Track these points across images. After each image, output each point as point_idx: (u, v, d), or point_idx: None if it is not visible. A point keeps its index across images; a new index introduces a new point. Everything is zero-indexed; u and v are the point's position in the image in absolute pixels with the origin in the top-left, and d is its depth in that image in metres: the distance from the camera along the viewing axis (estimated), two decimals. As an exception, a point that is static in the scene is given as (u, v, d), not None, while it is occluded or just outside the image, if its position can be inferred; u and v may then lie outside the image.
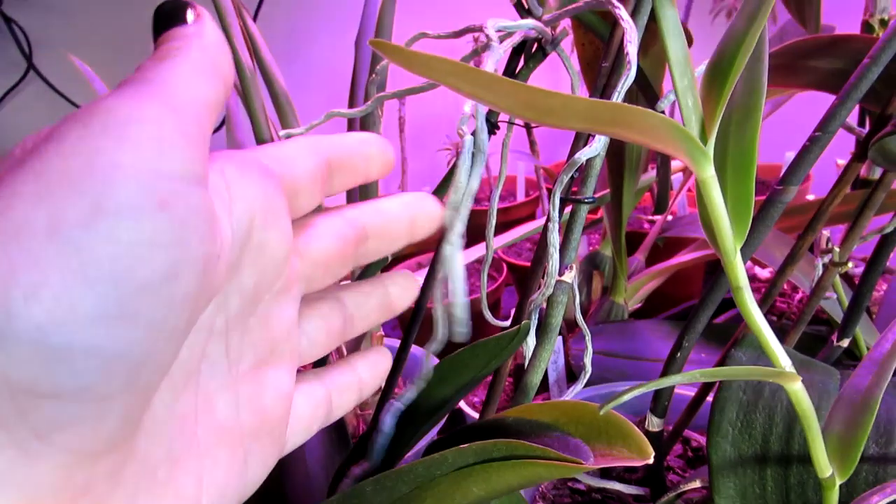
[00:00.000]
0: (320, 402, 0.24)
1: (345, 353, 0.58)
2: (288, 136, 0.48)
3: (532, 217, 1.08)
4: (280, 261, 0.21)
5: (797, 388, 0.20)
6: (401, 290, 0.27)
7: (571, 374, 0.58)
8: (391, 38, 0.54)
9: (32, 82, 0.93)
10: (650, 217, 0.74)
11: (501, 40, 0.34)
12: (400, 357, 0.36)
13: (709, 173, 0.19)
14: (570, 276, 0.29)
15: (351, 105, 0.55)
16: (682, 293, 0.73)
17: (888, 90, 0.34)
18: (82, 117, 0.15)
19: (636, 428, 0.22)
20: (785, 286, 0.73)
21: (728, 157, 0.20)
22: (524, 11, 0.37)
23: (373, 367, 0.26)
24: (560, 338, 0.55)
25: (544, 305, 0.30)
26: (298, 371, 0.24)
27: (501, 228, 1.00)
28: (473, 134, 0.27)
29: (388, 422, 0.29)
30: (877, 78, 0.32)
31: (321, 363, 0.49)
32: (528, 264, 0.65)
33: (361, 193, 0.57)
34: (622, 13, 0.30)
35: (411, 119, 1.04)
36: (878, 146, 0.31)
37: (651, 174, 0.63)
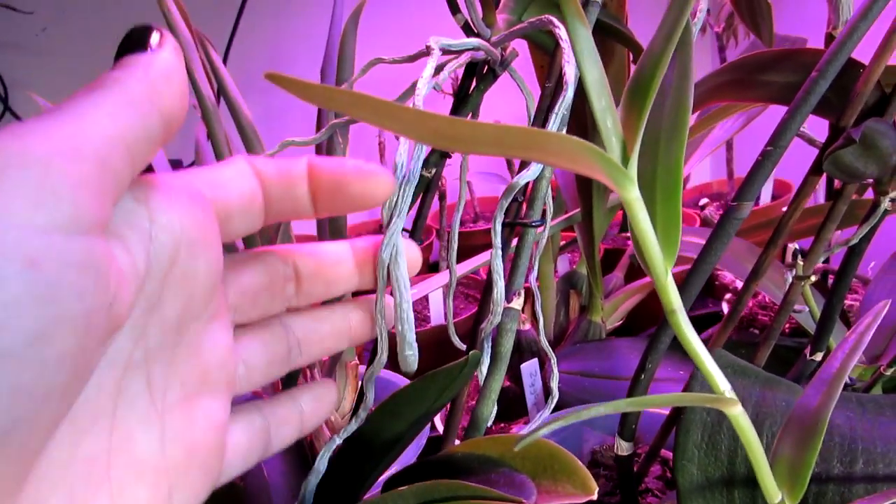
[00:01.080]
0: (258, 434, 0.23)
1: (318, 377, 0.57)
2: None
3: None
4: (208, 289, 0.20)
5: (737, 413, 0.19)
6: (363, 317, 0.26)
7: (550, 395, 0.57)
8: (353, 64, 0.54)
9: (9, 123, 0.93)
10: (629, 234, 0.74)
11: (447, 63, 0.33)
12: (370, 376, 0.35)
13: (633, 195, 0.18)
14: (518, 303, 0.28)
15: (318, 129, 0.55)
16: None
17: (841, 101, 0.34)
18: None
19: (581, 464, 0.21)
20: (767, 299, 0.73)
21: (657, 178, 0.19)
22: (472, 34, 0.37)
23: (317, 401, 0.25)
24: (536, 361, 0.54)
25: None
26: (237, 401, 0.23)
27: (482, 249, 1.00)
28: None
29: (323, 462, 0.28)
30: (831, 89, 0.32)
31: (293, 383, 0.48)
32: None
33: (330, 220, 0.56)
34: (561, 33, 0.29)
35: (392, 143, 1.04)
36: (831, 159, 0.31)
37: (622, 191, 0.62)
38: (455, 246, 0.38)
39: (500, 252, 0.27)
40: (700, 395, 0.19)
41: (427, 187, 0.36)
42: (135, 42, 0.18)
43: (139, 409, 0.19)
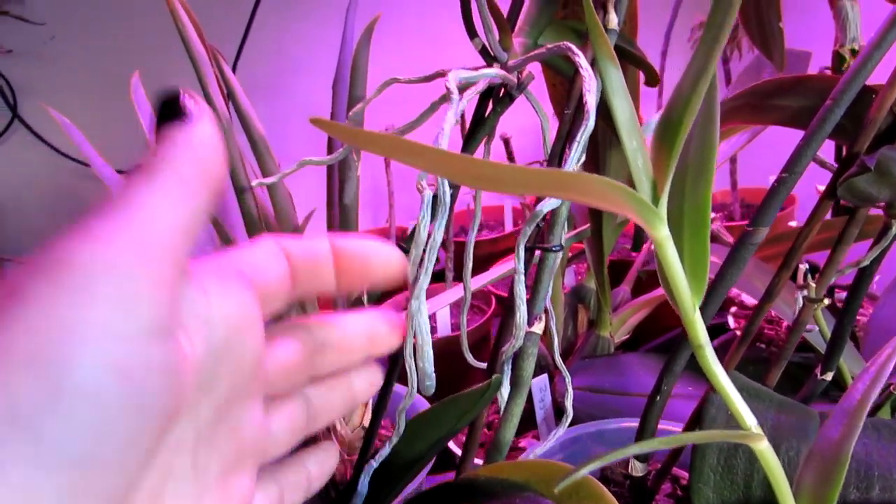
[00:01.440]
0: (274, 501, 0.24)
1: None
2: (260, 185, 0.48)
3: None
4: (253, 369, 0.21)
5: (763, 448, 0.20)
6: (365, 383, 0.26)
7: (560, 412, 0.57)
8: (366, 81, 0.54)
9: (18, 131, 0.93)
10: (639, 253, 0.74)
11: (465, 88, 0.34)
12: (382, 400, 0.35)
13: (663, 233, 0.19)
14: (540, 327, 0.29)
15: (330, 146, 0.55)
16: (671, 322, 0.73)
17: (855, 126, 0.34)
18: (48, 270, 0.15)
19: (606, 490, 0.22)
20: (772, 312, 0.73)
21: (684, 215, 0.20)
22: (489, 58, 0.37)
23: (321, 465, 0.26)
24: (546, 375, 0.55)
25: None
26: None
27: (491, 259, 1.01)
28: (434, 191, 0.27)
29: (364, 483, 0.29)
30: (844, 115, 0.32)
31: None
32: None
33: (342, 222, 0.57)
34: (581, 61, 0.30)
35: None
36: (846, 185, 0.31)
37: (631, 207, 0.62)
38: (470, 264, 0.39)
39: (522, 277, 0.27)
40: (728, 433, 0.20)
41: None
42: (170, 110, 0.18)
43: (184, 488, 0.19)
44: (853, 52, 0.55)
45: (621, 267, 0.82)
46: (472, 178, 0.17)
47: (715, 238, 0.66)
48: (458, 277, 0.92)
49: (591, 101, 0.27)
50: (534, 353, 0.29)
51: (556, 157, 0.31)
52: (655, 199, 0.19)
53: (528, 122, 0.45)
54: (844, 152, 0.50)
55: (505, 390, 0.30)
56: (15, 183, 0.96)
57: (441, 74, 0.41)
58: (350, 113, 0.45)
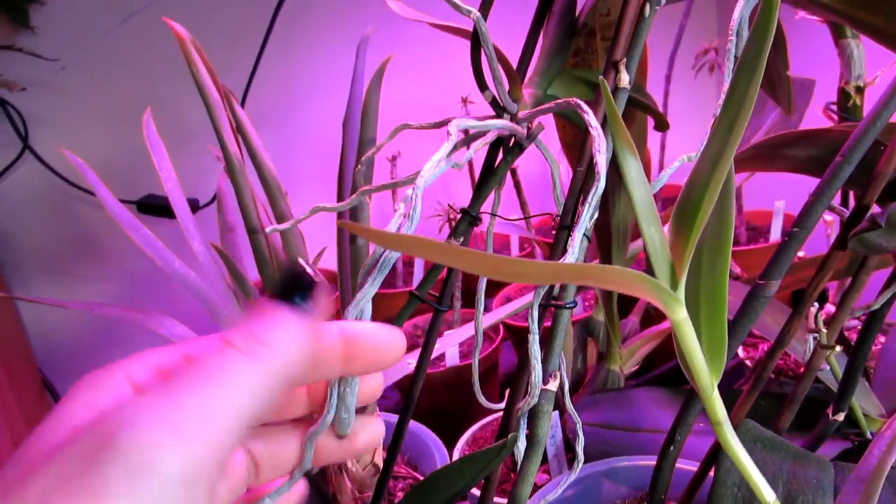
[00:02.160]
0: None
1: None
2: (275, 232, 0.48)
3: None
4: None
5: (782, 525, 0.20)
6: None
7: (570, 446, 0.57)
8: (377, 122, 0.55)
9: (27, 160, 0.94)
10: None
11: (474, 139, 0.34)
12: (398, 434, 0.36)
13: (681, 316, 0.19)
14: (555, 385, 0.29)
15: (340, 186, 0.56)
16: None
17: (863, 176, 0.35)
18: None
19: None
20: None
21: (700, 294, 0.20)
22: (499, 108, 0.38)
23: None
24: (557, 411, 0.55)
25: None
26: None
27: (500, 285, 1.00)
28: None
29: None
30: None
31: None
32: (525, 324, 0.65)
33: (354, 263, 0.57)
34: (591, 120, 0.30)
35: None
36: (857, 239, 0.32)
37: (639, 243, 0.63)
38: (482, 308, 0.39)
39: (536, 338, 0.28)
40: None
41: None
42: (293, 290, 0.19)
43: None
44: (858, 90, 0.55)
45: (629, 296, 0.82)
46: (506, 274, 0.17)
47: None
48: (466, 304, 0.93)
49: (601, 161, 0.28)
50: (549, 410, 0.29)
51: (570, 213, 0.32)
52: (674, 284, 0.19)
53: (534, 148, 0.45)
54: (852, 199, 0.50)
55: (521, 444, 0.30)
56: (25, 210, 0.96)
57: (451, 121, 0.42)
58: (362, 158, 0.46)
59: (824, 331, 0.37)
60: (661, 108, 1.08)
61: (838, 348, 0.36)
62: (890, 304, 0.39)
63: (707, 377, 0.20)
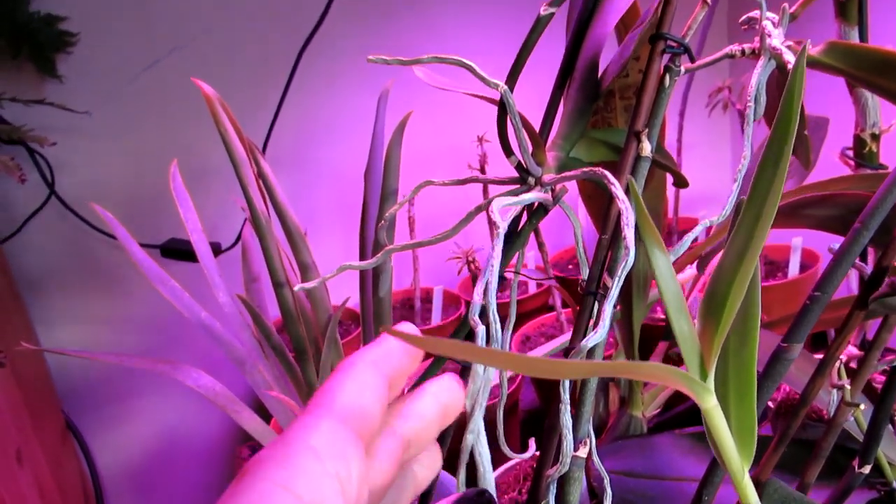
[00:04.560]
0: None
1: None
2: (302, 290, 0.49)
3: (545, 306, 1.08)
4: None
5: None
6: (426, 469, 0.28)
7: (593, 492, 0.57)
8: (398, 174, 0.56)
9: (53, 204, 0.96)
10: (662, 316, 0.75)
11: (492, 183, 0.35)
12: (429, 488, 0.36)
13: (711, 404, 0.20)
14: (585, 451, 0.29)
15: (362, 238, 0.57)
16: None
17: (883, 236, 0.35)
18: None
19: None
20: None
21: (729, 382, 0.21)
22: (524, 172, 0.39)
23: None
24: (580, 459, 0.55)
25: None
26: None
27: (516, 320, 1.00)
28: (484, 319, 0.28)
29: None
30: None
31: None
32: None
33: (377, 314, 0.58)
34: (617, 192, 0.31)
35: (421, 218, 1.07)
36: (878, 303, 0.32)
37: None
38: (507, 375, 0.40)
39: (568, 408, 0.28)
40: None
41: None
42: None
43: None
44: (874, 137, 0.56)
45: (649, 332, 0.82)
46: (540, 371, 0.18)
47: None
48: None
49: (629, 236, 0.29)
50: (580, 477, 0.30)
51: (595, 280, 0.32)
52: (703, 374, 0.20)
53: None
54: (871, 255, 0.51)
55: (551, 496, 0.31)
56: (50, 254, 0.98)
57: (474, 180, 0.43)
58: (385, 214, 0.47)
59: (848, 388, 0.38)
60: (675, 142, 1.09)
61: (862, 406, 0.37)
62: (913, 358, 0.39)
63: (738, 462, 0.21)
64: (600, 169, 0.33)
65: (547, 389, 0.99)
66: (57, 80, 0.93)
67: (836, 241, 0.40)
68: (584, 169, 0.35)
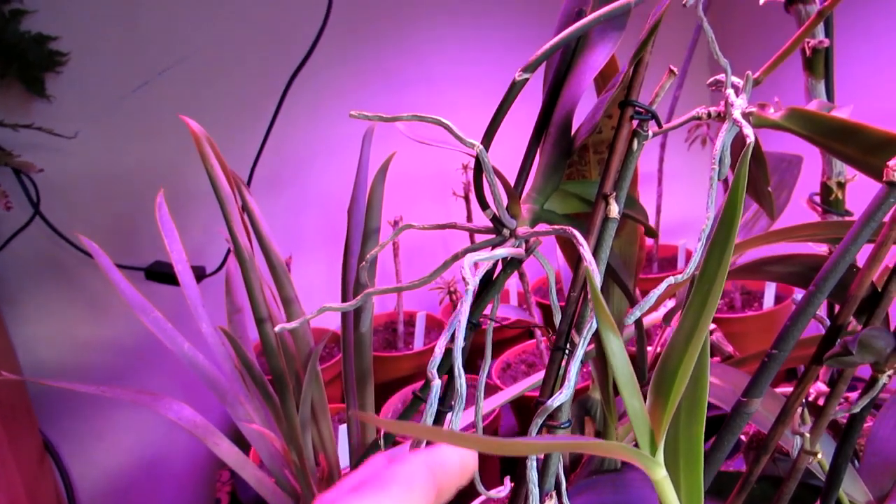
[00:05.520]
0: None
1: None
2: (283, 330, 0.50)
3: (527, 332, 1.10)
4: None
5: None
6: None
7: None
8: (381, 213, 0.57)
9: (37, 224, 0.96)
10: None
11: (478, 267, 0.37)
12: None
13: (660, 476, 0.21)
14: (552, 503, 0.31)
15: (344, 275, 0.58)
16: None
17: (839, 292, 0.37)
18: None
19: None
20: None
21: (679, 454, 0.22)
22: (499, 223, 0.40)
23: None
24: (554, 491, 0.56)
25: None
26: None
27: (497, 347, 1.02)
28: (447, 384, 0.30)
29: None
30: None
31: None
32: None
33: (357, 350, 0.59)
34: (585, 253, 0.32)
35: (405, 245, 1.08)
36: (832, 360, 0.34)
37: (633, 328, 0.65)
38: (482, 406, 0.41)
39: (535, 464, 0.30)
40: None
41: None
42: None
43: None
44: (839, 185, 0.58)
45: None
46: (509, 450, 0.19)
47: (715, 349, 0.68)
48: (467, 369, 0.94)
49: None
50: (545, 528, 0.31)
51: (563, 336, 0.34)
52: (653, 449, 0.21)
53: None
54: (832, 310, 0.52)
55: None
56: (33, 273, 0.99)
57: (451, 226, 0.45)
58: (367, 256, 0.48)
59: (808, 436, 0.39)
60: (657, 172, 1.11)
61: (819, 455, 0.38)
62: (869, 409, 0.41)
63: (687, 531, 0.22)
64: (570, 229, 0.34)
65: (527, 414, 1.00)
66: (45, 99, 0.94)
67: (801, 292, 0.41)
68: (556, 226, 0.36)
